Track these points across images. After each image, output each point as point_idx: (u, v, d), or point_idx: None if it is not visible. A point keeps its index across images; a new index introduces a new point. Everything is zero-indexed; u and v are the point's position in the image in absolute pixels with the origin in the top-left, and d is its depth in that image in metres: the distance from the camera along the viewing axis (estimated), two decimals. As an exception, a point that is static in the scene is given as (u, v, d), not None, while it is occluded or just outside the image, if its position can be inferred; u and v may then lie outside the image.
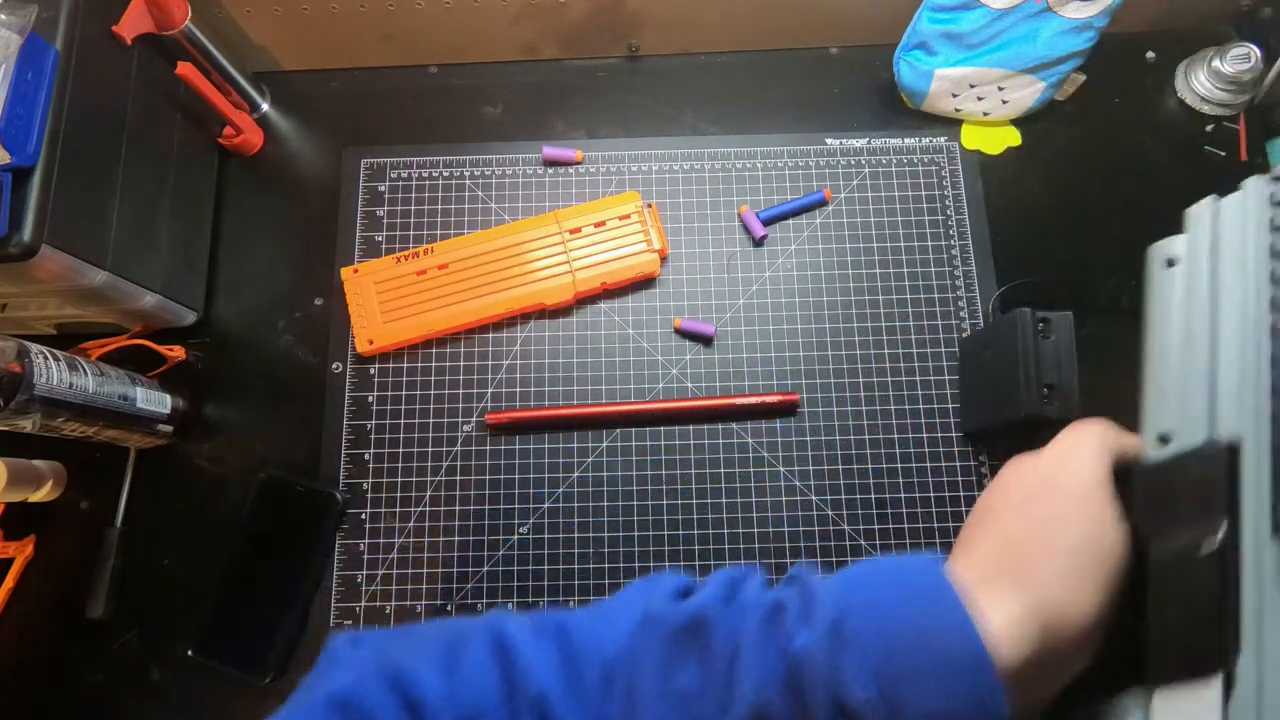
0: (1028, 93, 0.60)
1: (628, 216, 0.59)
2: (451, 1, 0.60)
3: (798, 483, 0.55)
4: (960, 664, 0.29)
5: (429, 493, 0.55)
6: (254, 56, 0.64)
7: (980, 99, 0.61)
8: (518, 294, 0.57)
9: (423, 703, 0.31)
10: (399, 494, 0.55)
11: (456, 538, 0.54)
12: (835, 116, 0.63)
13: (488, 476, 0.55)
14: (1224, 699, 0.29)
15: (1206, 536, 0.31)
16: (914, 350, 0.57)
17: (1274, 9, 0.62)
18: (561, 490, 0.55)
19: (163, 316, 0.56)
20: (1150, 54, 0.64)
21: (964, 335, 0.57)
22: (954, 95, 0.61)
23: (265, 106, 0.65)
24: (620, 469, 0.55)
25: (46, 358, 0.46)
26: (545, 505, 0.55)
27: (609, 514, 0.54)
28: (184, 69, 0.54)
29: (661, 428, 0.56)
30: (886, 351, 0.57)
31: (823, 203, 0.60)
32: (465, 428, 0.56)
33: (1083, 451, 0.35)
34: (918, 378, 0.57)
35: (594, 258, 0.58)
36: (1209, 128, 0.62)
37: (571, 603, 0.53)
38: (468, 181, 0.62)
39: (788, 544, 0.54)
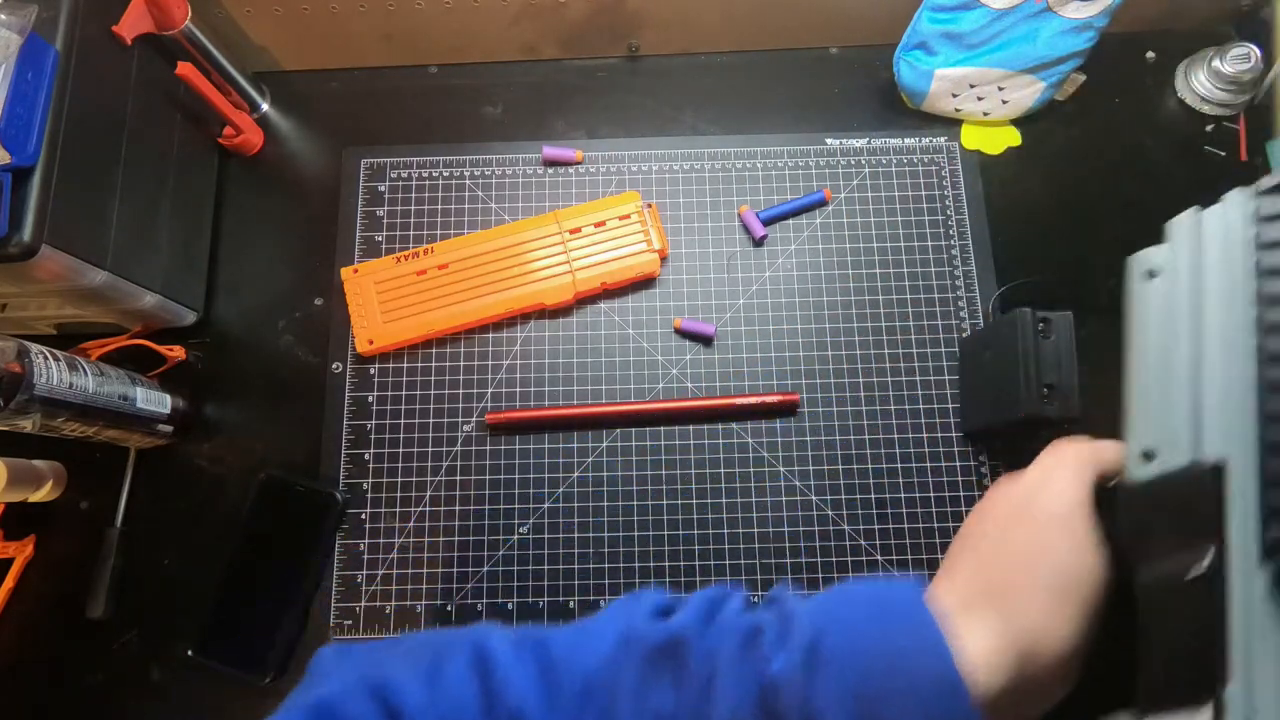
0: (1028, 93, 0.60)
1: (628, 216, 0.59)
2: (451, 1, 0.60)
3: (798, 483, 0.55)
4: (936, 690, 0.29)
5: (429, 493, 0.55)
6: (254, 56, 0.64)
7: (980, 99, 0.61)
8: (518, 294, 0.57)
9: (403, 712, 0.31)
10: (399, 494, 0.55)
11: (456, 538, 0.54)
12: (835, 116, 0.63)
13: (488, 476, 0.55)
14: None
15: (1193, 561, 0.31)
16: (914, 350, 0.57)
17: (1274, 9, 0.62)
18: (561, 490, 0.55)
19: (163, 316, 0.56)
20: (1150, 54, 0.64)
21: (964, 335, 0.57)
22: (954, 95, 0.61)
23: (265, 106, 0.65)
24: (620, 469, 0.55)
25: (46, 358, 0.46)
26: (545, 505, 0.55)
27: (609, 514, 0.54)
28: (184, 69, 0.54)
29: (661, 428, 0.56)
30: (886, 351, 0.57)
31: (823, 203, 0.60)
32: (465, 428, 0.56)
33: (1061, 475, 0.35)
34: (918, 378, 0.57)
35: (594, 258, 0.58)
36: (1209, 128, 0.62)
37: (571, 603, 0.53)
38: (468, 181, 0.62)
39: (788, 544, 0.54)
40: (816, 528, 0.54)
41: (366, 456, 0.56)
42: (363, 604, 0.53)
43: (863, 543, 0.54)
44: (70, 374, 0.47)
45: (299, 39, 0.63)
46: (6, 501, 0.53)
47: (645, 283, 0.59)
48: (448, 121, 0.64)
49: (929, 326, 0.58)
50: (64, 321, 0.55)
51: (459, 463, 0.56)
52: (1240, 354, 0.32)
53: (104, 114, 0.50)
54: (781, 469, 0.55)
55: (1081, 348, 0.48)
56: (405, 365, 0.58)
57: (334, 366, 0.58)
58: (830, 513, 0.54)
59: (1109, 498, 0.35)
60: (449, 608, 0.53)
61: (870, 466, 0.55)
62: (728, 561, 0.53)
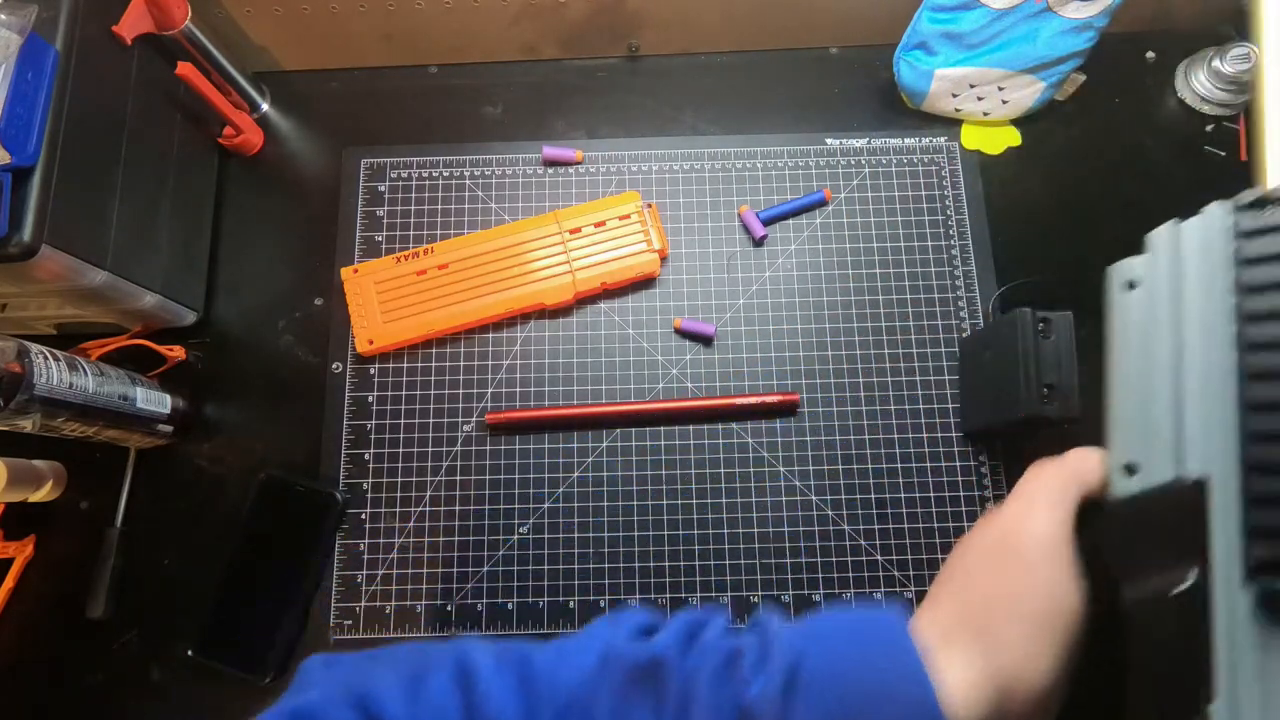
0: (1028, 93, 0.60)
1: (628, 216, 0.59)
2: (451, 1, 0.60)
3: (798, 483, 0.55)
4: (915, 719, 0.29)
5: (429, 493, 0.55)
6: (254, 56, 0.64)
7: (980, 99, 0.61)
8: (518, 294, 0.57)
9: None
10: (399, 494, 0.55)
11: (456, 538, 0.54)
12: (835, 116, 0.63)
13: (488, 476, 0.55)
14: None
15: (1177, 579, 0.31)
16: (914, 350, 0.57)
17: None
18: (561, 490, 0.55)
19: (163, 316, 0.56)
20: (1150, 54, 0.64)
21: (964, 335, 0.57)
22: (954, 95, 0.61)
23: (265, 106, 0.65)
24: (620, 469, 0.55)
25: (46, 358, 0.46)
26: (545, 505, 0.55)
27: (609, 514, 0.54)
28: (184, 69, 0.54)
29: (661, 428, 0.56)
30: (886, 351, 0.57)
31: (823, 203, 0.60)
32: (465, 428, 0.56)
33: (1043, 508, 0.35)
34: (918, 378, 0.57)
35: (594, 258, 0.58)
36: (1209, 128, 0.62)
37: (571, 603, 0.53)
38: (468, 181, 0.62)
39: (788, 544, 0.54)
40: (816, 528, 0.54)
41: (366, 456, 0.56)
42: (363, 604, 0.53)
43: (863, 543, 0.54)
44: (70, 374, 0.47)
45: (299, 39, 0.63)
46: (6, 501, 0.53)
47: (645, 283, 0.59)
48: (448, 121, 0.64)
49: (929, 326, 0.58)
50: (64, 321, 0.55)
51: (459, 463, 0.56)
52: (1220, 370, 0.32)
53: (104, 114, 0.50)
54: (781, 469, 0.55)
55: (1081, 348, 0.48)
56: (405, 365, 0.58)
57: (334, 366, 0.58)
58: (830, 513, 0.54)
59: (1094, 515, 0.35)
60: (449, 608, 0.53)
61: (870, 466, 0.55)
62: (728, 561, 0.53)
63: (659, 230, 0.59)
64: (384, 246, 0.60)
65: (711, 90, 0.65)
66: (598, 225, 0.59)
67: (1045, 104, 0.62)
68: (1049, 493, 0.35)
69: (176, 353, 0.57)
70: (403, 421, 0.56)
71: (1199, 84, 0.62)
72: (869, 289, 0.59)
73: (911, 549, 0.53)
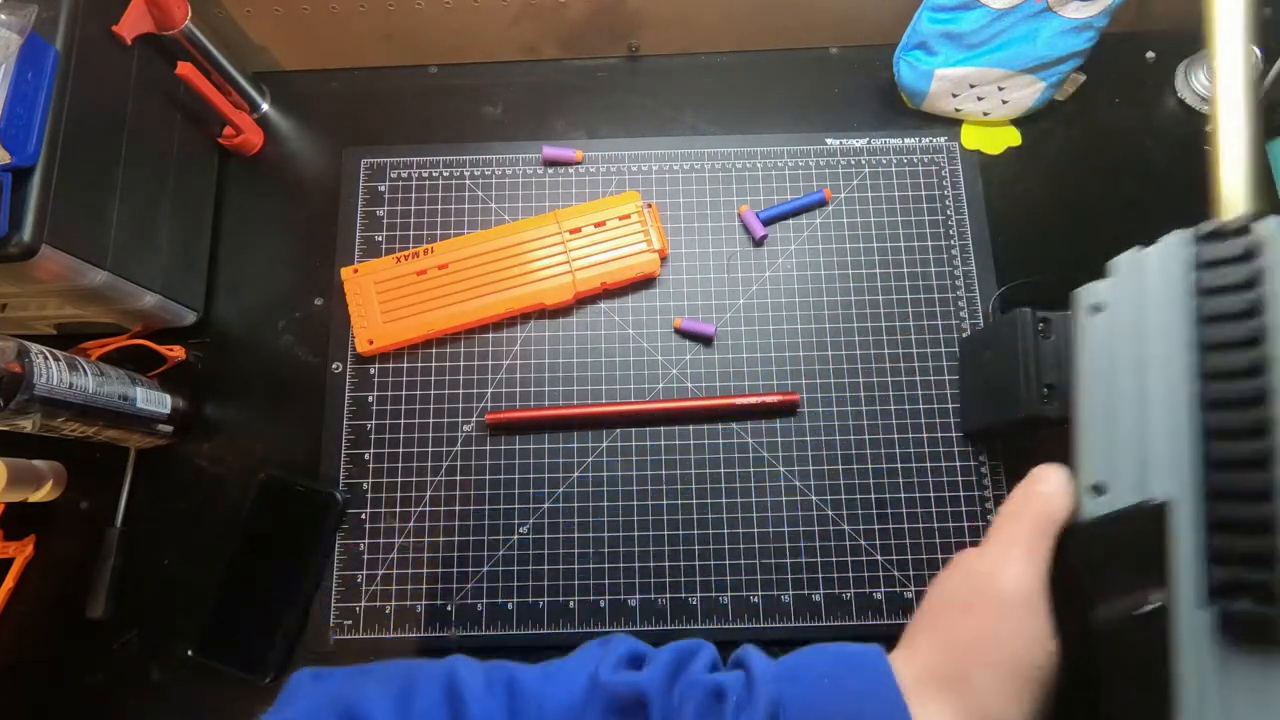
0: (1028, 93, 0.60)
1: (628, 216, 0.59)
2: (451, 1, 0.60)
3: (798, 483, 0.55)
4: None
5: (429, 493, 0.55)
6: (254, 56, 0.64)
7: (980, 99, 0.61)
8: (518, 294, 0.57)
9: None
10: (399, 494, 0.55)
11: (456, 538, 0.54)
12: (835, 116, 0.63)
13: (488, 476, 0.55)
14: None
15: (1143, 599, 0.31)
16: (914, 350, 0.57)
17: (1274, 9, 0.62)
18: (561, 490, 0.55)
19: (163, 316, 0.56)
20: (1150, 54, 0.64)
21: (964, 335, 0.57)
22: (954, 95, 0.61)
23: (265, 106, 0.65)
24: (620, 469, 0.55)
25: (46, 358, 0.46)
26: (545, 505, 0.55)
27: (609, 514, 0.54)
28: (184, 69, 0.54)
29: (661, 428, 0.56)
30: (886, 351, 0.57)
31: (823, 203, 0.60)
32: (465, 428, 0.56)
33: (1019, 556, 0.36)
34: (918, 378, 0.57)
35: (594, 258, 0.58)
36: (1209, 128, 0.62)
37: (571, 603, 0.53)
38: (468, 181, 0.62)
39: (788, 544, 0.54)
40: (816, 528, 0.54)
41: (366, 456, 0.56)
42: (363, 604, 0.53)
43: (863, 543, 0.54)
44: (70, 374, 0.47)
45: (299, 39, 0.63)
46: (6, 501, 0.53)
47: (645, 283, 0.59)
48: (448, 121, 0.64)
49: (929, 326, 0.58)
50: (64, 321, 0.55)
51: (459, 463, 0.56)
52: (1181, 397, 0.32)
53: (104, 114, 0.50)
54: (781, 469, 0.55)
55: (1081, 348, 0.48)
56: (405, 365, 0.58)
57: (334, 366, 0.58)
58: (830, 513, 0.54)
59: (1065, 536, 0.36)
60: (449, 608, 0.53)
61: (870, 466, 0.55)
62: (728, 561, 0.53)
63: (659, 230, 0.59)
64: (384, 246, 0.60)
65: (711, 90, 0.65)
66: (598, 225, 0.59)
67: (1045, 104, 0.62)
68: (1026, 539, 0.36)
69: (176, 353, 0.57)
70: (403, 421, 0.56)
71: (1199, 84, 0.62)
72: (869, 289, 0.59)
73: (911, 549, 0.53)
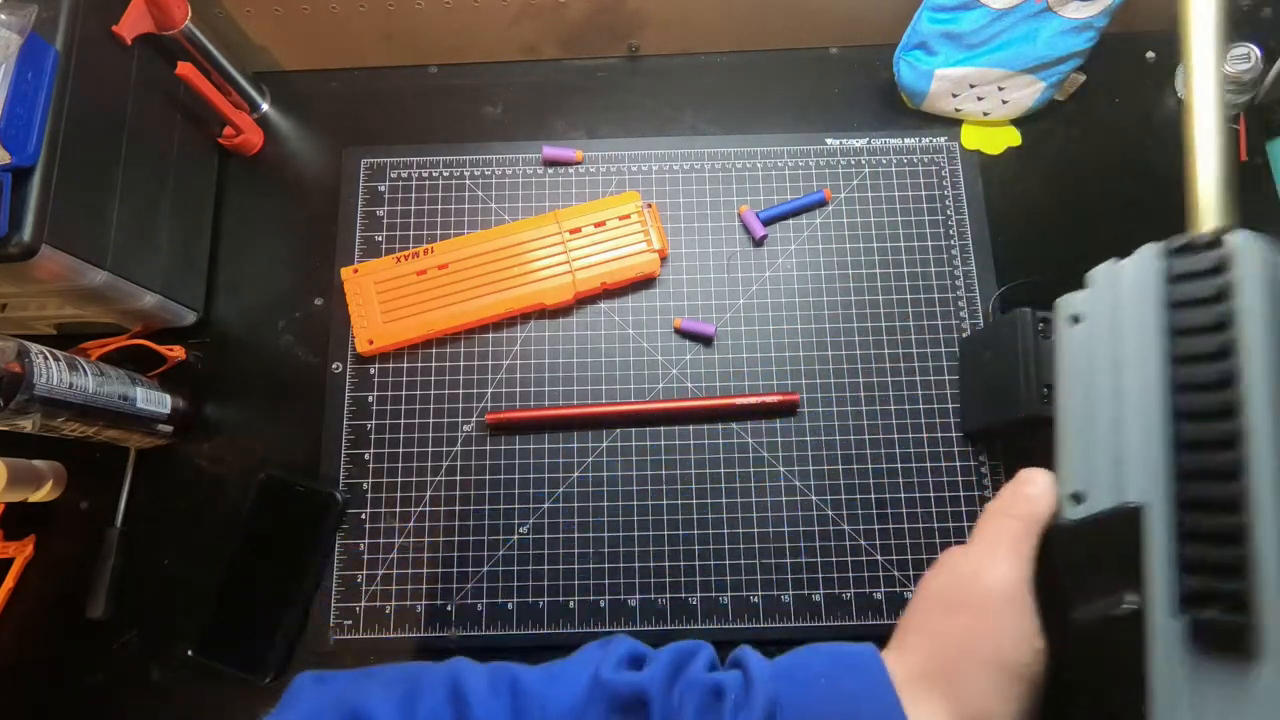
0: (1028, 93, 0.60)
1: (628, 216, 0.59)
2: (451, 1, 0.60)
3: (798, 483, 0.55)
4: None
5: (429, 493, 0.55)
6: (254, 56, 0.64)
7: (980, 99, 0.61)
8: (518, 294, 0.57)
9: None
10: (399, 494, 0.55)
11: (456, 538, 0.54)
12: (835, 116, 0.63)
13: (488, 476, 0.55)
14: None
15: (1118, 602, 0.32)
16: (914, 350, 0.57)
17: (1274, 9, 0.62)
18: (561, 490, 0.55)
19: (163, 316, 0.56)
20: (1150, 54, 0.64)
21: (964, 335, 0.57)
22: (954, 95, 0.61)
23: (265, 106, 0.65)
24: (620, 469, 0.55)
25: (46, 358, 0.46)
26: (545, 505, 0.55)
27: (609, 514, 0.54)
28: (184, 69, 0.54)
29: (661, 428, 0.56)
30: (886, 351, 0.57)
31: (823, 203, 0.60)
32: (465, 428, 0.56)
33: (1004, 555, 0.36)
34: (918, 378, 0.57)
35: (594, 258, 0.58)
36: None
37: (571, 603, 0.53)
38: (468, 181, 0.62)
39: (788, 544, 0.54)
40: (816, 528, 0.54)
41: (366, 456, 0.56)
42: (363, 604, 0.53)
43: (863, 543, 0.54)
44: (70, 374, 0.47)
45: (299, 39, 0.63)
46: (6, 501, 0.53)
47: (645, 283, 0.59)
48: (448, 121, 0.64)
49: (929, 326, 0.58)
50: (64, 321, 0.55)
51: (459, 463, 0.56)
52: (1154, 407, 0.33)
53: (104, 114, 0.50)
54: (781, 469, 0.55)
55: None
56: (405, 365, 0.58)
57: (334, 366, 0.58)
58: (830, 513, 0.54)
59: (1048, 539, 0.37)
60: (449, 608, 0.53)
61: (870, 466, 0.55)
62: (728, 561, 0.53)
63: (659, 230, 0.59)
64: (384, 246, 0.60)
65: (711, 90, 0.65)
66: (598, 225, 0.59)
67: (1045, 104, 0.62)
68: (1012, 538, 0.37)
69: (176, 353, 0.57)
70: (403, 421, 0.56)
71: (1199, 84, 0.62)
72: (869, 289, 0.59)
73: (911, 549, 0.53)
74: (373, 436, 0.56)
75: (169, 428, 0.55)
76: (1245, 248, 0.32)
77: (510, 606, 0.53)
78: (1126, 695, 0.31)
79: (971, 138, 0.63)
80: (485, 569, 0.54)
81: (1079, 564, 0.35)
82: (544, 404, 0.57)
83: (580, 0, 0.60)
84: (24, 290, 0.49)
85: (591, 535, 0.54)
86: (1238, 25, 0.64)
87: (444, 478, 0.55)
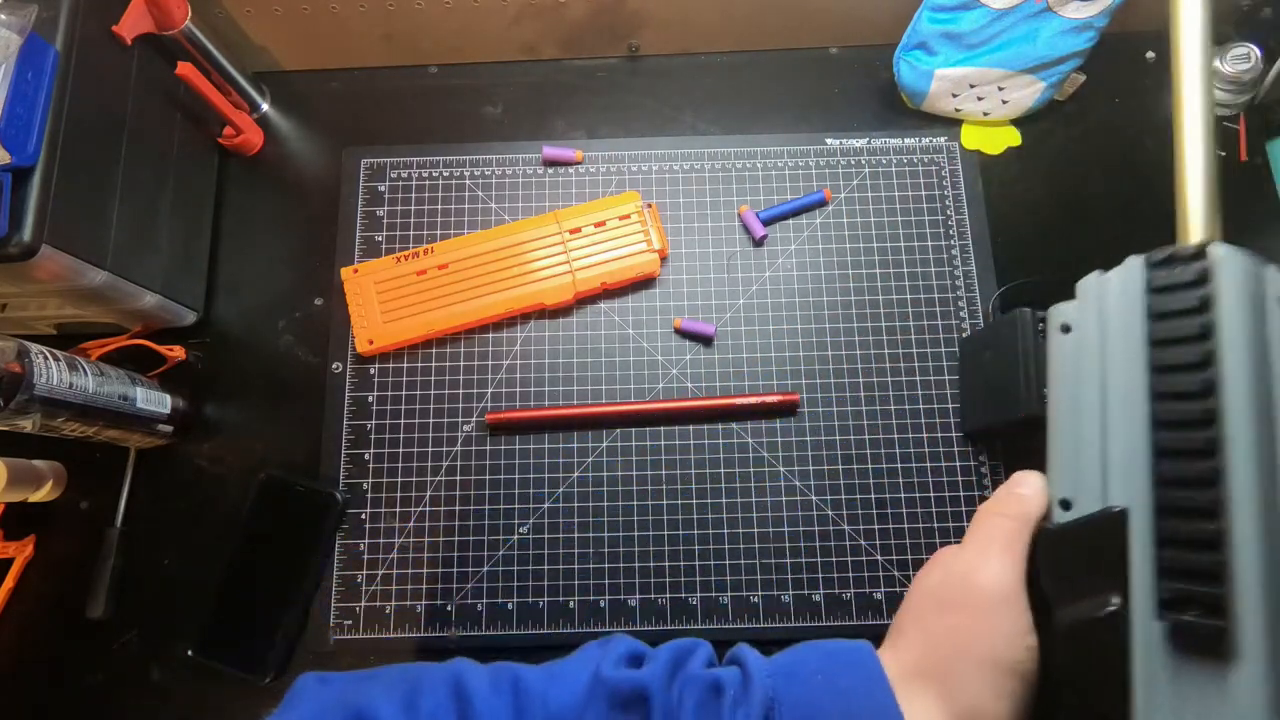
0: (1028, 93, 0.60)
1: (628, 216, 0.59)
2: (451, 1, 0.60)
3: (798, 483, 0.55)
4: None
5: (429, 493, 0.55)
6: (254, 56, 0.64)
7: (980, 99, 0.61)
8: (518, 294, 0.57)
9: None
10: (399, 494, 0.55)
11: (456, 538, 0.54)
12: (835, 116, 0.63)
13: (488, 476, 0.55)
14: None
15: (1103, 604, 0.33)
16: (914, 350, 0.57)
17: (1274, 9, 0.62)
18: (561, 490, 0.55)
19: (163, 316, 0.56)
20: (1150, 54, 0.64)
21: (964, 335, 0.57)
22: (954, 95, 0.61)
23: (265, 106, 0.65)
24: (620, 469, 0.55)
25: (46, 358, 0.46)
26: (545, 505, 0.55)
27: (609, 514, 0.54)
28: (184, 69, 0.54)
29: (661, 428, 0.56)
30: (886, 351, 0.57)
31: (823, 203, 0.60)
32: (465, 428, 0.56)
33: (997, 556, 0.37)
34: (918, 378, 0.57)
35: (594, 258, 0.58)
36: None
37: (571, 603, 0.53)
38: (468, 181, 0.62)
39: (788, 544, 0.54)
40: (816, 528, 0.54)
41: (366, 456, 0.56)
42: (363, 604, 0.53)
43: (863, 543, 0.54)
44: (70, 374, 0.47)
45: (299, 39, 0.63)
46: (6, 501, 0.53)
47: (645, 283, 0.59)
48: (448, 121, 0.64)
49: (929, 326, 0.58)
50: (64, 321, 0.55)
51: (459, 463, 0.56)
52: (1137, 415, 0.34)
53: (104, 114, 0.50)
54: (781, 469, 0.55)
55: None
56: (405, 365, 0.58)
57: (334, 366, 0.58)
58: (830, 513, 0.54)
59: (1037, 542, 0.38)
60: (449, 608, 0.53)
61: (870, 466, 0.55)
62: (728, 561, 0.53)
63: (659, 230, 0.59)
64: (384, 246, 0.60)
65: (711, 90, 0.65)
66: (598, 225, 0.59)
67: (1045, 104, 0.62)
68: (1005, 538, 0.37)
69: (176, 353, 0.57)
70: (403, 421, 0.56)
71: (1199, 84, 0.62)
72: (869, 289, 0.59)
73: (911, 549, 0.53)
74: (373, 436, 0.56)
75: (169, 428, 0.55)
76: (1226, 261, 0.33)
77: (510, 606, 0.53)
78: (1111, 695, 0.32)
79: (971, 138, 0.63)
80: (485, 569, 0.54)
81: (1066, 566, 0.36)
82: (544, 404, 0.57)
83: (580, 0, 0.60)
84: (24, 290, 0.49)
85: (591, 535, 0.54)
86: (1238, 25, 0.64)
87: (444, 478, 0.55)
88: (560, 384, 0.57)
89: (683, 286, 0.59)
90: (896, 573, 0.53)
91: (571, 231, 0.58)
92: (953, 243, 0.60)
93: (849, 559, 0.53)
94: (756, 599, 0.53)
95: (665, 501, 0.55)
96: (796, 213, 0.60)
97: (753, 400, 0.55)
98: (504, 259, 0.58)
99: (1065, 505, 0.37)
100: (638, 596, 0.53)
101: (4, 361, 0.44)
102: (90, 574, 0.53)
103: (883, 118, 0.63)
